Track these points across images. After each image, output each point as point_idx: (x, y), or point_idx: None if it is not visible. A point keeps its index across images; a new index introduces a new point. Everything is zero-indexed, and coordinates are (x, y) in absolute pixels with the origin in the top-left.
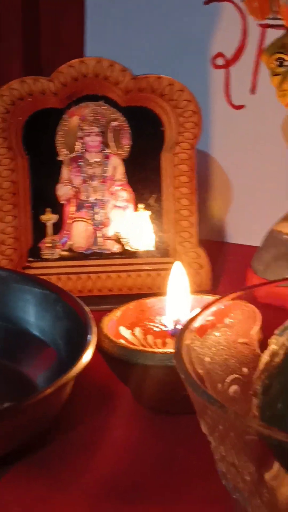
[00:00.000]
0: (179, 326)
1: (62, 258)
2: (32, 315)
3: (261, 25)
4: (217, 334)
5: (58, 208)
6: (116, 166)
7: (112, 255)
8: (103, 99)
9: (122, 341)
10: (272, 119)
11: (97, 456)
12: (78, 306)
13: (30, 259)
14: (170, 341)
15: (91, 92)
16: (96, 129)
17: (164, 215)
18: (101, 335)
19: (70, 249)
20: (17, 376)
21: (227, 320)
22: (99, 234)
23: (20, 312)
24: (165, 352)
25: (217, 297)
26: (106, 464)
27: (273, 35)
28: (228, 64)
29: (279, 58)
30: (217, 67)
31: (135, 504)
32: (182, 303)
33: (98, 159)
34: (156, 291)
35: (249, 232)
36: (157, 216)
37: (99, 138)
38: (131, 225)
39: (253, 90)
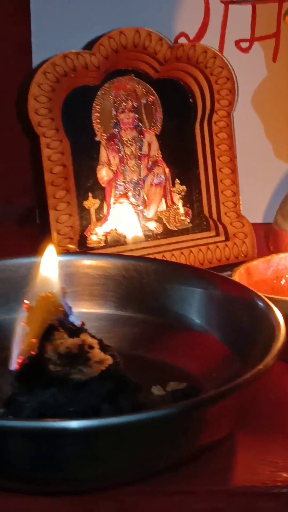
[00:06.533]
0: None
1: (108, 245)
2: (196, 308)
3: (223, 2)
4: None
5: (98, 192)
6: (151, 143)
7: (155, 236)
8: (133, 73)
9: None
10: (241, 94)
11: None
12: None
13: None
14: None
15: (122, 66)
16: (130, 105)
17: (204, 188)
18: None
19: (114, 234)
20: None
21: None
22: (140, 215)
23: (184, 306)
24: None
25: None
26: None
27: (236, 11)
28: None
29: None
30: None
31: None
32: None
33: (134, 137)
34: (208, 266)
35: None
36: (196, 189)
37: (133, 115)
38: (169, 202)
39: None
